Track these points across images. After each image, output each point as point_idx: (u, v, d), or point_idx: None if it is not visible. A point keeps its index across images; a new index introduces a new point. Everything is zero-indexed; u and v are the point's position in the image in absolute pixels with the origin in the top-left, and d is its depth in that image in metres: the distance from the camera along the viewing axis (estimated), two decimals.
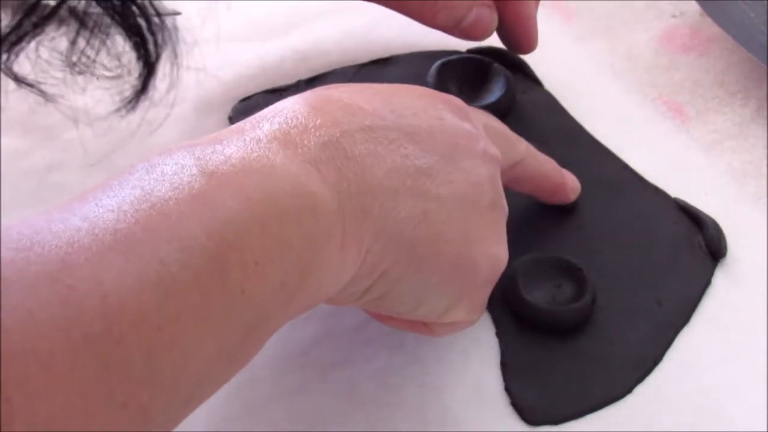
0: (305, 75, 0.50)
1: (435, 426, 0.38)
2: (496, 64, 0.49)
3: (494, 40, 0.47)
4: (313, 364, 0.39)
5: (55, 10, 0.24)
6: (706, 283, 0.43)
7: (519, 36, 0.48)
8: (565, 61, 0.52)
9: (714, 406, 0.38)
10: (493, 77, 0.49)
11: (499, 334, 0.41)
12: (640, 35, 0.55)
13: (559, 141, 0.48)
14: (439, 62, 0.48)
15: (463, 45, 0.51)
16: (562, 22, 0.50)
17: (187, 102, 0.49)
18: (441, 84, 0.48)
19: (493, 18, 0.47)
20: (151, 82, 0.27)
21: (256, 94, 0.50)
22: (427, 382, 0.39)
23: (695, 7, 0.55)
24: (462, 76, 0.49)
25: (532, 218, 0.45)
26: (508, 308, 0.41)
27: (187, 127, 0.48)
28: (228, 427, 0.36)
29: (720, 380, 0.39)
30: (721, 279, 0.43)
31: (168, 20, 0.27)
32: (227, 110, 0.49)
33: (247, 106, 0.49)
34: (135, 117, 0.44)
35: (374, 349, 0.40)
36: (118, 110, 0.28)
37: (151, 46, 0.27)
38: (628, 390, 0.39)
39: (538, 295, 0.41)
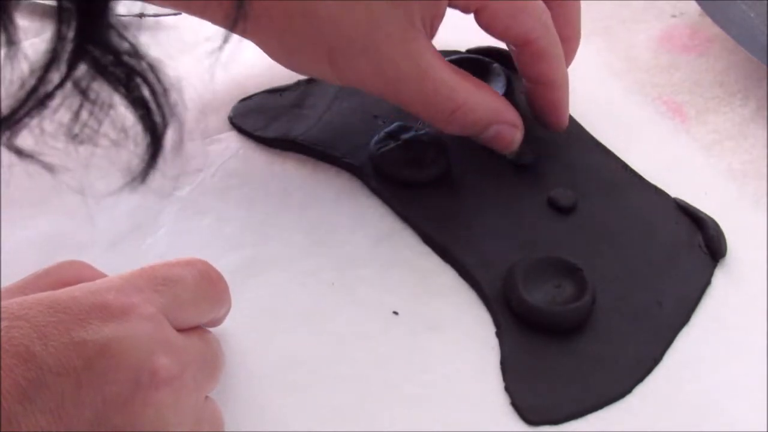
0: (305, 75, 0.50)
1: (435, 426, 0.38)
2: (496, 64, 0.49)
3: (494, 40, 0.46)
4: (311, 363, 0.39)
5: (59, 86, 0.24)
6: (706, 283, 0.43)
7: (549, 118, 0.47)
8: None
9: (714, 406, 0.38)
10: (493, 77, 0.49)
11: (499, 334, 0.41)
12: (639, 35, 0.55)
13: (559, 141, 0.48)
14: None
15: (463, 45, 0.51)
16: None
17: (187, 102, 0.49)
18: None
19: (515, 136, 0.45)
20: (159, 155, 0.27)
21: (256, 94, 0.50)
22: (426, 382, 0.39)
23: (695, 7, 0.55)
24: None
25: (533, 218, 0.45)
26: (508, 308, 0.41)
27: (187, 128, 0.48)
28: (228, 427, 0.36)
29: (720, 380, 0.39)
30: (721, 279, 0.43)
31: (173, 92, 0.27)
32: (227, 110, 0.49)
33: (247, 106, 0.49)
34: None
35: (373, 349, 0.40)
36: (125, 185, 0.28)
37: (158, 119, 0.27)
38: (628, 390, 0.39)
39: (538, 295, 0.41)
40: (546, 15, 0.44)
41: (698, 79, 0.52)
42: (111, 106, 0.26)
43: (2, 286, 0.35)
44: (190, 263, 0.36)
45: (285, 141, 0.48)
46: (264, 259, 0.43)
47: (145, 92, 0.26)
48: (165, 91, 0.27)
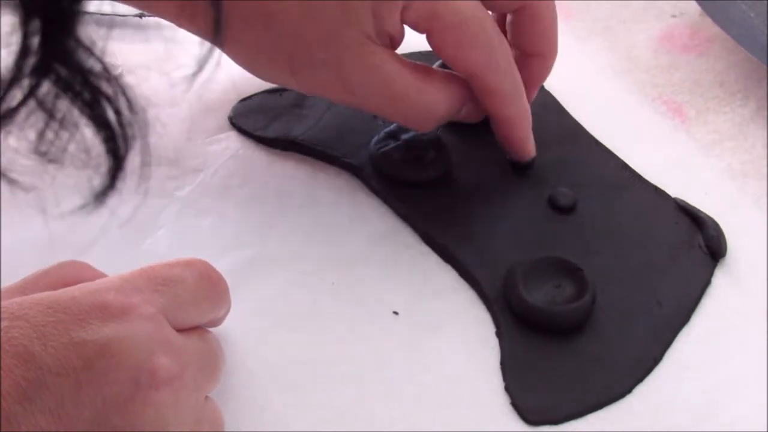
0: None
1: (435, 426, 0.38)
2: None
3: None
4: (312, 363, 0.39)
5: (22, 103, 0.24)
6: (706, 283, 0.43)
7: (509, 152, 0.46)
8: (564, 61, 0.52)
9: (714, 406, 0.38)
10: None
11: (499, 334, 0.41)
12: (639, 35, 0.55)
13: (559, 141, 0.48)
14: (439, 62, 0.48)
15: None
16: (561, 22, 0.50)
17: (187, 102, 0.49)
18: None
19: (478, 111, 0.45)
20: (120, 177, 0.27)
21: (256, 94, 0.50)
22: (426, 382, 0.39)
23: (695, 7, 0.55)
24: None
25: (532, 218, 0.45)
26: (508, 308, 0.41)
27: (187, 128, 0.48)
28: (228, 426, 0.37)
29: (720, 380, 0.39)
30: (721, 279, 0.43)
31: (140, 114, 0.26)
32: (227, 110, 0.49)
33: (247, 106, 0.49)
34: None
35: (374, 348, 0.40)
36: (84, 206, 0.28)
37: (120, 141, 0.26)
38: (628, 390, 0.39)
39: (538, 295, 0.41)
40: (500, 48, 0.42)
41: (698, 79, 0.53)
42: (77, 126, 0.25)
43: (2, 286, 0.35)
44: (190, 263, 0.36)
45: (285, 141, 0.48)
46: (264, 259, 0.43)
47: (110, 115, 0.26)
48: (131, 113, 0.26)
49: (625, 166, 0.48)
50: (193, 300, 0.36)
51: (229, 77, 0.49)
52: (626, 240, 0.44)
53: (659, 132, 0.50)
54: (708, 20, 0.53)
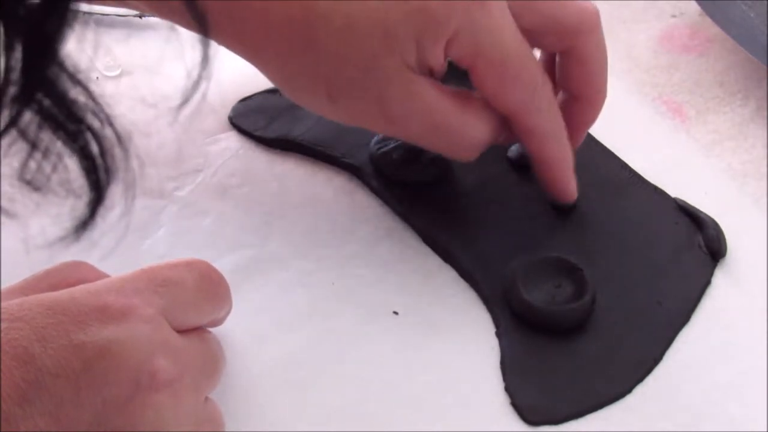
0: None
1: (435, 426, 0.38)
2: None
3: None
4: (312, 363, 0.39)
5: (3, 133, 0.23)
6: (706, 283, 0.43)
7: (551, 194, 0.44)
8: None
9: (714, 406, 0.38)
10: None
11: (499, 334, 0.41)
12: (639, 35, 0.55)
13: None
14: None
15: None
16: None
17: (187, 102, 0.49)
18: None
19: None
20: (99, 210, 0.26)
21: (256, 94, 0.50)
22: (426, 382, 0.39)
23: (695, 7, 0.55)
24: (462, 77, 0.49)
25: (532, 218, 0.45)
26: (508, 308, 0.41)
27: (187, 128, 0.48)
28: (229, 426, 0.37)
29: (720, 380, 0.39)
30: (721, 279, 0.43)
31: (123, 146, 0.26)
32: (227, 110, 0.49)
33: (247, 106, 0.49)
34: (139, 116, 0.43)
35: (374, 348, 0.40)
36: (63, 238, 0.27)
37: (102, 174, 0.26)
38: (628, 390, 0.39)
39: (538, 295, 0.41)
40: (543, 88, 0.41)
41: (698, 79, 0.53)
42: (61, 156, 0.25)
43: (2, 287, 0.35)
44: (190, 264, 0.36)
45: (285, 141, 0.48)
46: (264, 259, 0.43)
47: (94, 146, 0.25)
48: (115, 145, 0.26)
49: (625, 166, 0.47)
50: (193, 301, 0.35)
51: (229, 77, 0.49)
52: (626, 240, 0.44)
53: (659, 132, 0.50)
54: (708, 20, 0.53)
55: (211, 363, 0.36)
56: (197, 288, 0.36)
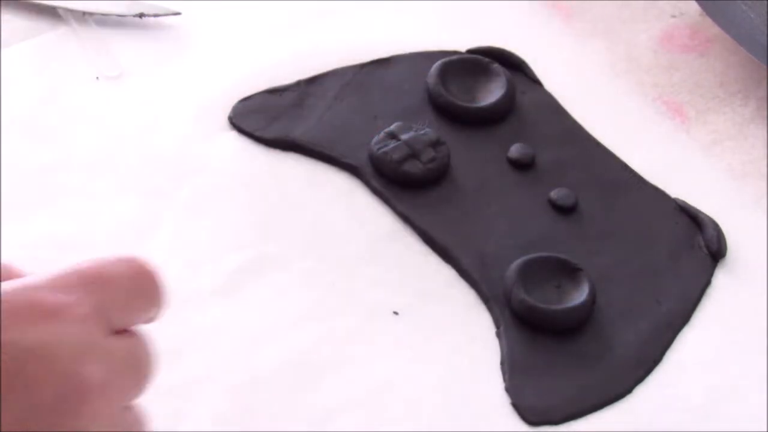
0: (305, 75, 0.50)
1: (435, 426, 0.38)
2: (496, 64, 0.49)
3: (495, 41, 0.47)
4: (311, 364, 0.39)
5: None
6: (706, 283, 0.43)
7: None
8: (564, 61, 0.52)
9: (714, 406, 0.38)
10: (493, 77, 0.49)
11: (498, 334, 0.41)
12: (639, 35, 0.55)
13: (559, 141, 0.48)
14: (439, 62, 0.48)
15: (463, 45, 0.51)
16: (561, 22, 0.50)
17: (187, 102, 0.49)
18: (441, 84, 0.48)
19: None
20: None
21: (256, 94, 0.50)
22: (427, 382, 0.39)
23: (695, 7, 0.55)
24: (462, 76, 0.49)
25: (532, 218, 0.45)
26: (508, 308, 0.41)
27: (187, 127, 0.48)
28: (229, 427, 0.37)
29: (720, 380, 0.39)
30: (721, 279, 0.43)
31: None
32: (227, 110, 0.49)
33: (247, 106, 0.49)
34: (139, 116, 0.42)
35: (374, 349, 0.40)
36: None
37: None
38: (628, 390, 0.39)
39: (538, 295, 0.41)
40: None
41: (698, 79, 0.52)
42: None
43: None
44: (123, 260, 0.34)
45: (285, 141, 0.48)
46: (264, 259, 0.43)
47: None
48: None
49: (625, 166, 0.47)
50: (127, 299, 0.33)
51: (230, 77, 0.50)
52: (626, 240, 0.44)
53: (659, 132, 0.50)
54: (708, 20, 0.53)
55: (142, 367, 0.34)
56: (132, 285, 0.33)
